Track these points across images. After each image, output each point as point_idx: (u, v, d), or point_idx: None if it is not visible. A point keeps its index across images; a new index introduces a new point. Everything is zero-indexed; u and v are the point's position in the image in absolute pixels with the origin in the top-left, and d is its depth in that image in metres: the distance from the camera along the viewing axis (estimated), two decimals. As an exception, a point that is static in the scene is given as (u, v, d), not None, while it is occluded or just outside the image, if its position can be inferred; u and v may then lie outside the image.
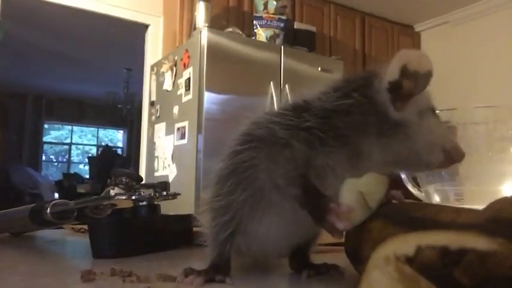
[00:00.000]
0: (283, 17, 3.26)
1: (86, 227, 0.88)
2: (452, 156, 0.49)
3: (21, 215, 0.79)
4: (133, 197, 0.76)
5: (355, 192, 0.42)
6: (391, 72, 0.46)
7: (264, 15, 3.22)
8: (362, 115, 0.46)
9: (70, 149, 8.75)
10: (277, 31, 3.18)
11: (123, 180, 0.85)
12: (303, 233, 0.52)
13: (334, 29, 4.06)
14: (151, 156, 3.24)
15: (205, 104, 2.66)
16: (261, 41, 3.12)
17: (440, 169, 0.55)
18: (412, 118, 0.47)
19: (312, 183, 0.44)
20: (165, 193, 0.83)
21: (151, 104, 3.33)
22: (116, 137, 9.22)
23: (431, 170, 0.57)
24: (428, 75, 0.46)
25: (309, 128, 0.46)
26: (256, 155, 0.47)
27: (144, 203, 0.80)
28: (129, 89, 6.43)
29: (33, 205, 0.78)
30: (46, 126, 8.35)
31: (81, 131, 8.92)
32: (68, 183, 6.83)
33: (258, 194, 0.48)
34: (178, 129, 2.87)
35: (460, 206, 0.58)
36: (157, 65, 3.28)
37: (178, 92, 2.90)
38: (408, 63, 0.45)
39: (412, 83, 0.46)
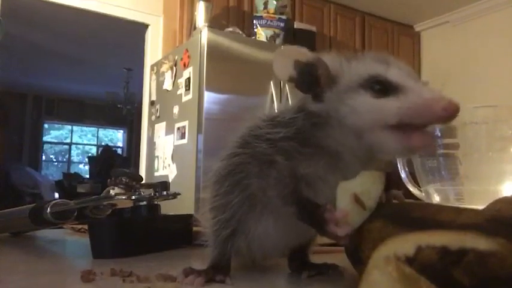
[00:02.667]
0: (283, 17, 3.26)
1: (86, 227, 0.88)
2: (413, 123, 0.41)
3: (21, 215, 0.79)
4: (133, 197, 0.76)
5: (349, 194, 0.42)
6: (285, 73, 0.46)
7: (264, 15, 3.22)
8: (303, 118, 0.47)
9: (70, 149, 8.75)
10: (277, 31, 3.18)
11: (123, 180, 0.85)
12: (301, 233, 0.52)
13: (334, 28, 4.06)
14: (151, 156, 3.24)
15: (205, 104, 2.65)
16: (261, 41, 3.12)
17: (411, 151, 0.45)
18: (333, 105, 0.45)
19: (305, 196, 0.45)
20: (165, 193, 0.83)
21: (152, 103, 3.33)
22: (116, 137, 9.21)
23: (397, 154, 0.50)
24: (320, 62, 0.46)
25: (282, 139, 0.47)
26: (249, 161, 0.49)
27: (144, 203, 0.80)
28: (129, 88, 6.43)
29: (33, 205, 0.78)
30: (46, 125, 8.34)
31: (81, 131, 8.92)
32: (68, 183, 6.82)
33: (253, 198, 0.49)
34: (178, 129, 2.87)
35: (460, 205, 0.58)
36: (157, 64, 3.27)
37: (178, 92, 2.90)
38: (296, 58, 0.46)
39: (323, 72, 0.46)
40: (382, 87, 0.43)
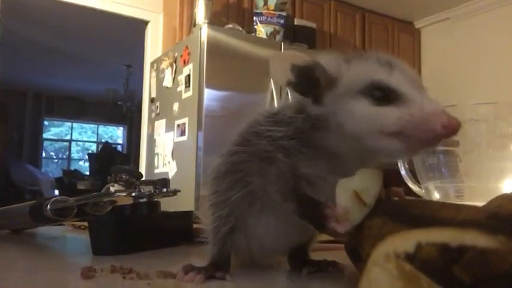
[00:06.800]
0: (283, 14, 3.25)
1: (86, 223, 0.88)
2: (411, 135, 0.41)
3: (21, 212, 0.79)
4: (133, 194, 0.76)
5: (349, 192, 0.42)
6: (282, 77, 0.45)
7: (264, 12, 3.21)
8: (302, 120, 0.47)
9: (70, 146, 8.74)
10: (277, 27, 3.18)
11: (123, 177, 0.85)
12: (301, 232, 0.52)
13: (334, 25, 4.05)
14: (151, 153, 3.24)
15: (205, 101, 2.65)
16: (261, 38, 3.11)
17: (416, 151, 0.45)
18: (332, 108, 0.45)
19: (305, 193, 0.45)
20: (165, 190, 0.83)
21: (151, 100, 3.33)
22: (116, 134, 9.21)
23: (400, 156, 0.49)
24: (317, 65, 0.45)
25: (282, 138, 0.47)
26: (249, 159, 0.49)
27: (144, 199, 0.80)
28: (129, 85, 6.42)
29: (33, 202, 0.78)
30: (46, 123, 8.34)
31: (81, 128, 8.92)
32: (68, 180, 6.81)
33: (254, 195, 0.49)
34: (178, 126, 2.87)
35: (460, 203, 0.58)
36: (157, 61, 3.27)
37: (178, 89, 2.90)
38: (293, 62, 0.45)
39: (322, 76, 0.45)
40: (382, 94, 0.42)
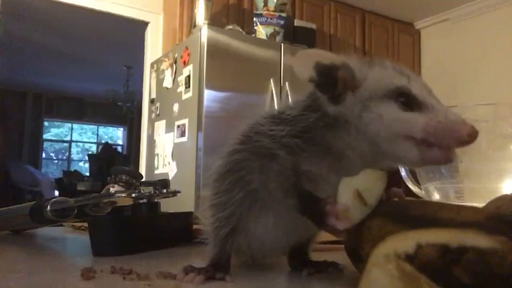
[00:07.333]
0: (283, 15, 3.25)
1: (86, 224, 0.88)
2: (433, 143, 0.42)
3: (21, 213, 0.79)
4: (133, 195, 0.76)
5: (351, 190, 0.42)
6: (305, 73, 0.45)
7: (264, 13, 3.21)
8: (315, 118, 0.47)
9: (70, 147, 8.75)
10: (277, 28, 3.18)
11: (123, 177, 0.85)
12: (301, 231, 0.52)
13: (334, 26, 4.05)
14: (151, 154, 3.24)
15: (205, 102, 2.65)
16: (261, 39, 3.11)
17: (428, 164, 0.45)
18: (355, 110, 0.45)
19: (306, 190, 0.45)
20: (165, 191, 0.83)
21: (151, 101, 3.33)
22: (116, 135, 9.21)
23: (412, 165, 0.53)
24: (345, 66, 0.46)
25: (285, 136, 0.47)
26: (250, 158, 0.49)
27: (144, 200, 0.80)
28: (129, 86, 6.42)
29: (33, 203, 0.78)
30: (46, 123, 8.34)
31: (81, 129, 8.92)
32: (68, 180, 6.82)
33: (254, 194, 0.49)
34: (178, 126, 2.87)
35: (460, 203, 0.58)
36: (157, 62, 3.27)
37: (178, 90, 2.90)
38: (318, 60, 0.45)
39: (344, 74, 0.45)
40: (406, 100, 0.44)
